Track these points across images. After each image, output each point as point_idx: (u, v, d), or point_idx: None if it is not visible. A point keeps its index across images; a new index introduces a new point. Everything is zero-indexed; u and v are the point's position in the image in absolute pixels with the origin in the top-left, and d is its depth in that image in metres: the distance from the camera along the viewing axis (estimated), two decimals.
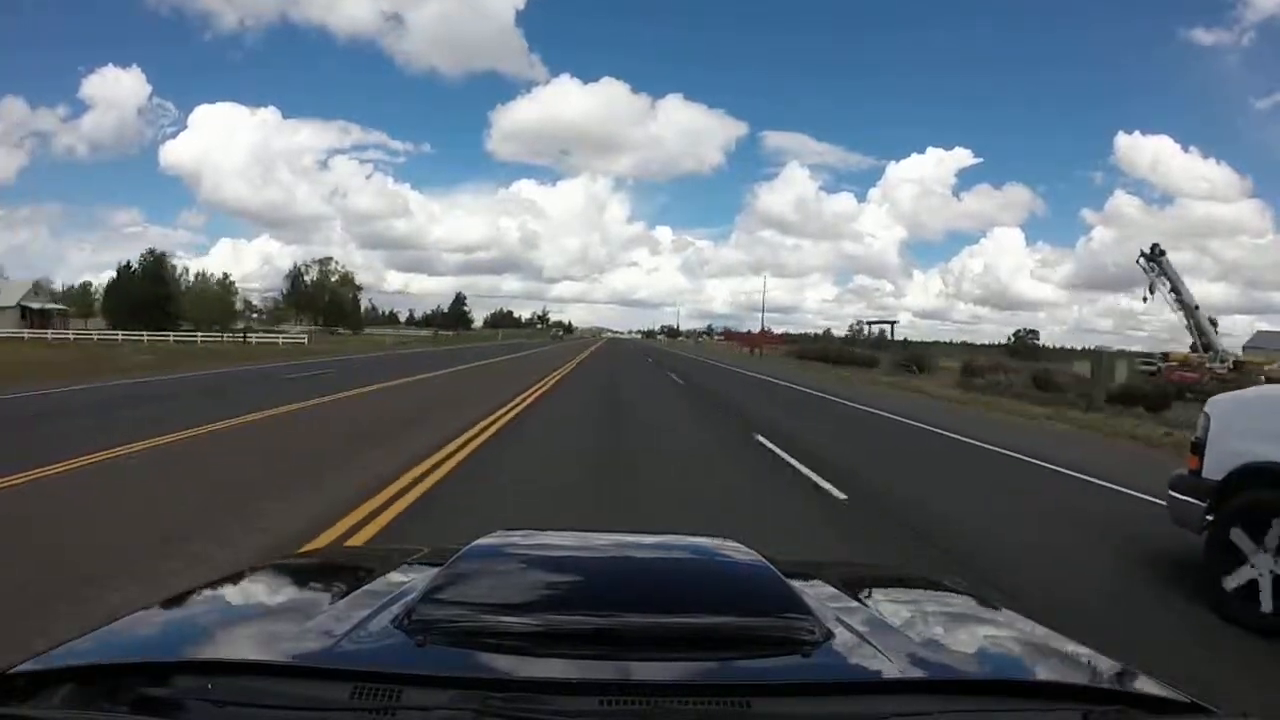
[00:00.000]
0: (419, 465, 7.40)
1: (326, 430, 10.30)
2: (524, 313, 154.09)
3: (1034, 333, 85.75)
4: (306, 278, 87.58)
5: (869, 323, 79.41)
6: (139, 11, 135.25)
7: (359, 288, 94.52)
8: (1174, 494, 4.84)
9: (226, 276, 72.51)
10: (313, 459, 7.85)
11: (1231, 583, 4.16)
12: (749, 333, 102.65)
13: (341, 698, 0.90)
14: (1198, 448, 4.67)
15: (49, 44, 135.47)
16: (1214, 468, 4.48)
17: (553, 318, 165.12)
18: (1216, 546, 4.30)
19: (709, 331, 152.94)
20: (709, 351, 74.85)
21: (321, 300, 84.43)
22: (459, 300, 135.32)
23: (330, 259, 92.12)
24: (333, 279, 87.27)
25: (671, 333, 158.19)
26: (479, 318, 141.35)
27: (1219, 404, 4.77)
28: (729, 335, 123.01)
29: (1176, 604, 4.41)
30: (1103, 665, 1.15)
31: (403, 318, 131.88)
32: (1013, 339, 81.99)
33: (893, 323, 71.11)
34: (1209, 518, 4.41)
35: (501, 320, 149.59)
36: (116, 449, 7.84)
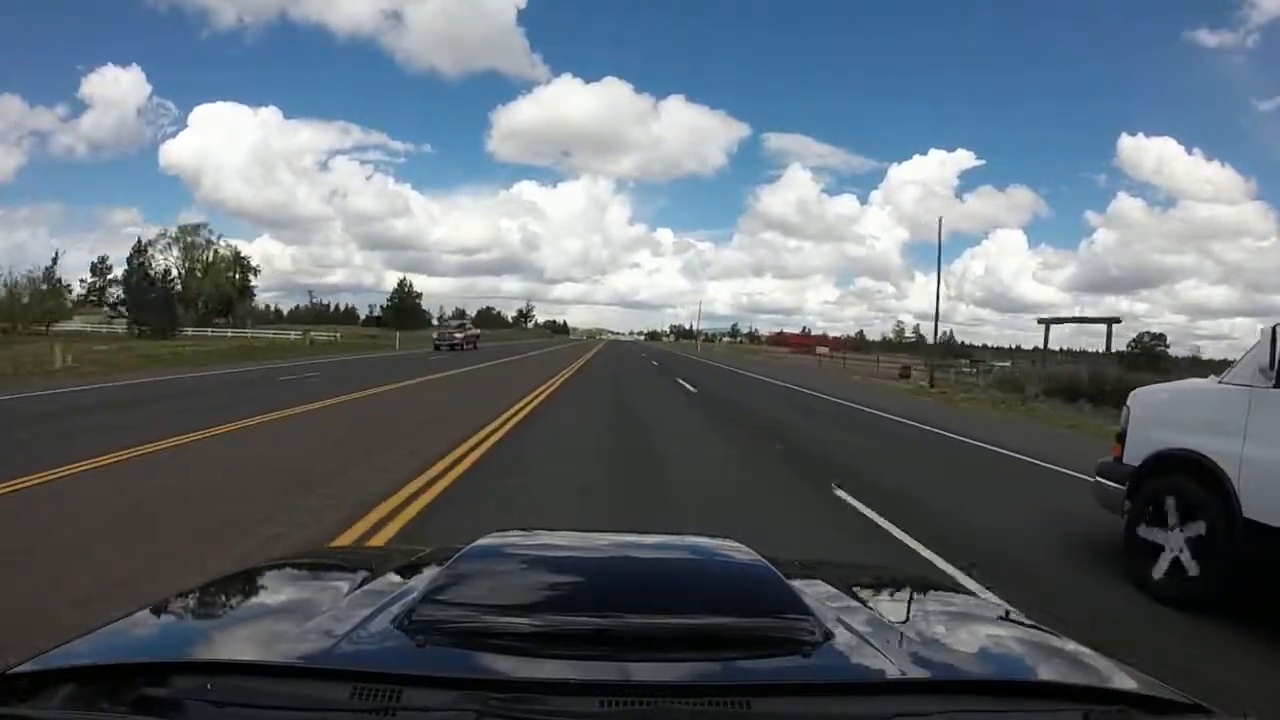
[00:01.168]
0: None
1: None
2: (510, 312, 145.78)
3: (1161, 337, 58.85)
4: (162, 258, 58.45)
5: (1136, 331, 49.56)
6: (138, 10, 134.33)
7: (254, 269, 65.28)
8: (1099, 479, 5.16)
9: (101, 264, 56.96)
10: None
11: (1142, 558, 4.47)
12: (798, 334, 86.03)
13: (342, 698, 0.90)
14: (1121, 437, 5.01)
15: (49, 43, 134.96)
16: (1132, 455, 4.82)
17: (546, 318, 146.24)
18: (1132, 526, 4.63)
19: (734, 332, 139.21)
20: (764, 365, 43.36)
21: (198, 287, 57.37)
22: (405, 291, 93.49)
23: (203, 225, 61.57)
24: (201, 252, 59.13)
25: (681, 334, 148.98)
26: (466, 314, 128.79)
27: (1138, 397, 5.09)
28: (783, 340, 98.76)
29: None
30: (1103, 665, 1.14)
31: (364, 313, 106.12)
32: (1135, 346, 54.46)
33: (1160, 337, 43.13)
34: (1127, 501, 4.73)
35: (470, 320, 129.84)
36: None
